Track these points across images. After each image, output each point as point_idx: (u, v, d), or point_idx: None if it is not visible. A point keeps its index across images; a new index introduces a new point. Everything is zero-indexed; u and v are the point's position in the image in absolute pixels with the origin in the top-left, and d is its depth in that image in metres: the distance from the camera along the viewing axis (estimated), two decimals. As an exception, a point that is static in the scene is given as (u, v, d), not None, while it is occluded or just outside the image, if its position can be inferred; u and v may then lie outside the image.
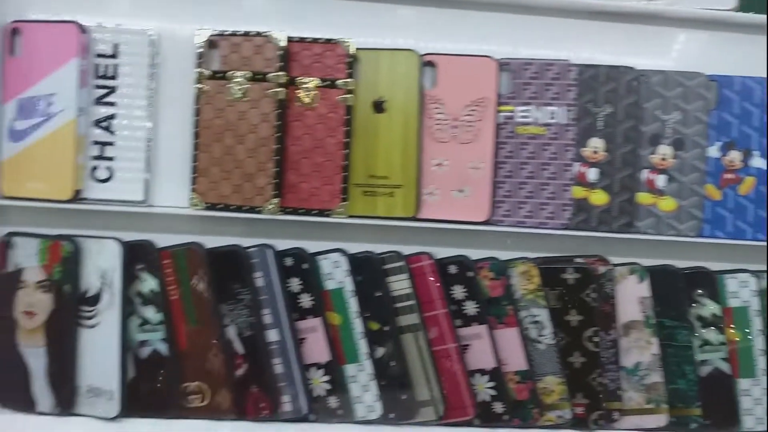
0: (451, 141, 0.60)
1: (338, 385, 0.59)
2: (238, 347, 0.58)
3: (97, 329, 0.57)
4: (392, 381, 0.58)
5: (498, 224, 0.60)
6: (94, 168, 0.59)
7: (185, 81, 0.59)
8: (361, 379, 0.59)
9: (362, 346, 0.58)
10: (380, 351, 0.59)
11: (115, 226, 0.60)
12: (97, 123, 0.59)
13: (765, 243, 0.60)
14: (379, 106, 0.59)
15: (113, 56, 0.58)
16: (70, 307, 0.57)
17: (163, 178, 0.60)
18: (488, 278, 0.60)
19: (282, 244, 0.60)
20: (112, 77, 0.58)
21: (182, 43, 0.60)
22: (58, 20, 0.58)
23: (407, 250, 0.60)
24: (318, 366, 0.59)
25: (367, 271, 0.59)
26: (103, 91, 0.58)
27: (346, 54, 0.58)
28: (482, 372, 0.60)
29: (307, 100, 0.59)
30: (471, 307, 0.59)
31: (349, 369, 0.59)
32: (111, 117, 0.59)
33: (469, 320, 0.60)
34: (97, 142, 0.58)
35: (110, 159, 0.59)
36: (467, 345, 0.60)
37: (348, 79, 0.58)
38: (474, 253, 0.61)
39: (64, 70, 0.57)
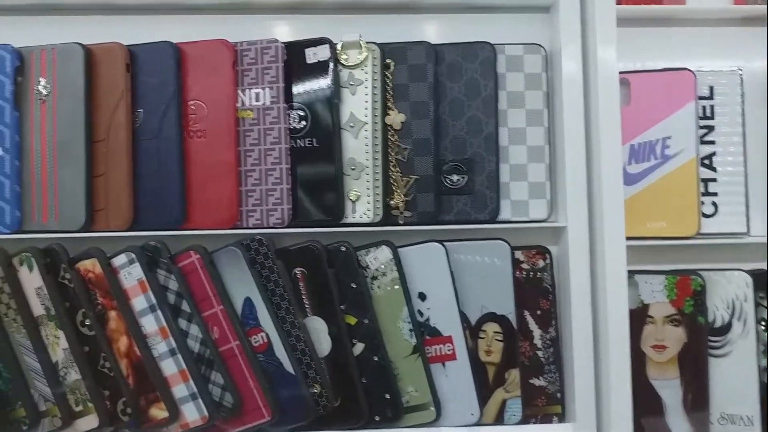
0: None
1: None
2: None
3: (728, 358, 0.60)
4: None
5: None
6: (701, 203, 0.62)
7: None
8: None
9: None
10: None
11: (716, 258, 0.62)
12: (701, 161, 0.62)
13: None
14: None
15: (710, 97, 0.62)
16: (702, 338, 0.60)
17: (757, 210, 0.62)
18: None
19: None
20: (710, 117, 0.62)
21: (760, 79, 0.63)
22: (669, 68, 0.61)
23: None
24: None
25: None
26: (703, 131, 0.62)
27: None
28: None
29: None
30: None
31: None
32: (712, 155, 0.62)
33: None
34: (701, 179, 0.62)
35: (714, 195, 0.62)
36: None
37: None
38: None
39: (681, 113, 0.60)
